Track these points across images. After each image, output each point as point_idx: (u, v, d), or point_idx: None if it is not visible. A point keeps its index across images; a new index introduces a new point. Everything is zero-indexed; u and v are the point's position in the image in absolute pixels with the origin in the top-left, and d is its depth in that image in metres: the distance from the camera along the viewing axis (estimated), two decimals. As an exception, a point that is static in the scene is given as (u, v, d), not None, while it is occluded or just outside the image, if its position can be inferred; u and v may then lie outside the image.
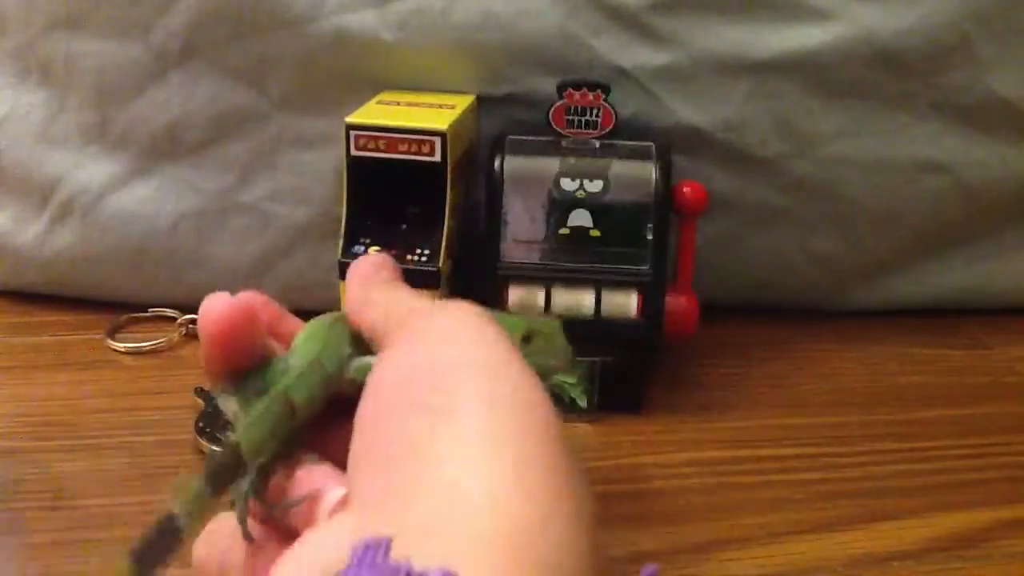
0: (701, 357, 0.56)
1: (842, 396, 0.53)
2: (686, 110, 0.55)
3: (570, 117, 0.51)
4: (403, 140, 0.49)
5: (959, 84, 0.55)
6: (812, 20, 0.54)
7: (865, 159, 0.56)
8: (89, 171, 0.58)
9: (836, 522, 0.42)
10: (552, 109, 0.51)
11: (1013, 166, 0.58)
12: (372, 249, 0.50)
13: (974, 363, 0.57)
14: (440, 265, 0.50)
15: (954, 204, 0.58)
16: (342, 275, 0.50)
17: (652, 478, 0.46)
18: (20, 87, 0.59)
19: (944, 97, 0.56)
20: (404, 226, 0.51)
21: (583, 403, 0.50)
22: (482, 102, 0.55)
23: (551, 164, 0.51)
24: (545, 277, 0.50)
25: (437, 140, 0.49)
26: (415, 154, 0.49)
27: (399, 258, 0.50)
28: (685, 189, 0.52)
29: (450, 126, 0.49)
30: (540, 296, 0.50)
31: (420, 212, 0.51)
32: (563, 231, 0.50)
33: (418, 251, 0.50)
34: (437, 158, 0.49)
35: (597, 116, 0.51)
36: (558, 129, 0.51)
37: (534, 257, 0.50)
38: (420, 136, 0.49)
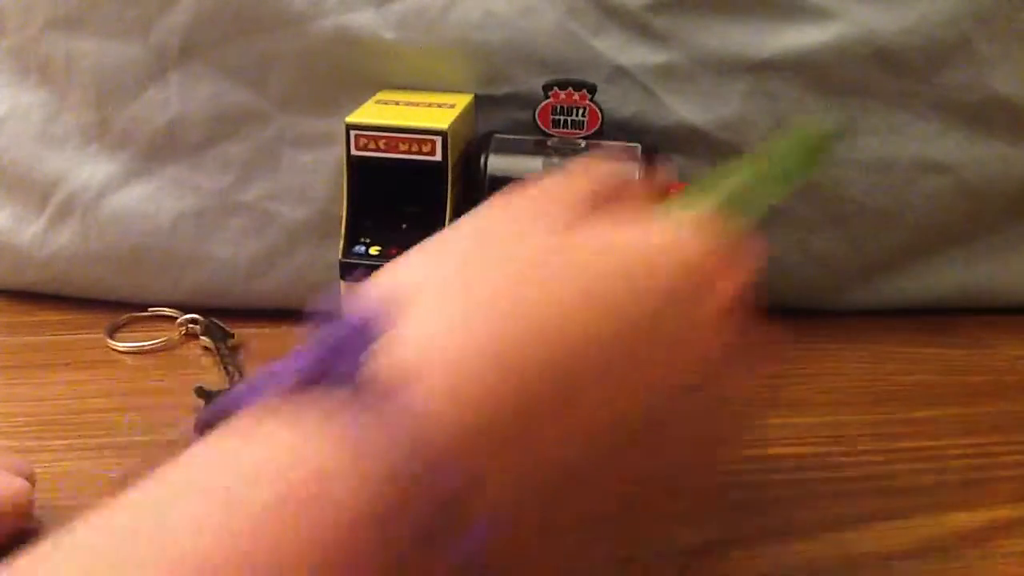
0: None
1: (842, 396, 0.53)
2: (685, 109, 0.55)
3: (556, 117, 0.51)
4: (404, 140, 0.49)
5: (959, 83, 0.55)
6: (812, 19, 0.54)
7: (865, 158, 0.56)
8: (89, 170, 0.58)
9: (836, 521, 0.42)
10: (538, 109, 0.51)
11: (1014, 165, 0.58)
12: (372, 249, 0.50)
13: (975, 362, 0.57)
14: (440, 265, 0.50)
15: (954, 203, 0.58)
16: (342, 275, 0.50)
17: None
18: (20, 87, 0.59)
19: (944, 96, 0.56)
20: (404, 226, 0.51)
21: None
22: (481, 102, 0.55)
23: (534, 164, 0.51)
24: None
25: (438, 139, 0.49)
26: (416, 153, 0.49)
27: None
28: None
29: (451, 125, 0.49)
30: None
31: (420, 212, 0.51)
32: None
33: (418, 251, 0.50)
34: (438, 157, 0.49)
35: (583, 116, 0.51)
36: (544, 129, 0.51)
37: None
38: (421, 135, 0.49)
